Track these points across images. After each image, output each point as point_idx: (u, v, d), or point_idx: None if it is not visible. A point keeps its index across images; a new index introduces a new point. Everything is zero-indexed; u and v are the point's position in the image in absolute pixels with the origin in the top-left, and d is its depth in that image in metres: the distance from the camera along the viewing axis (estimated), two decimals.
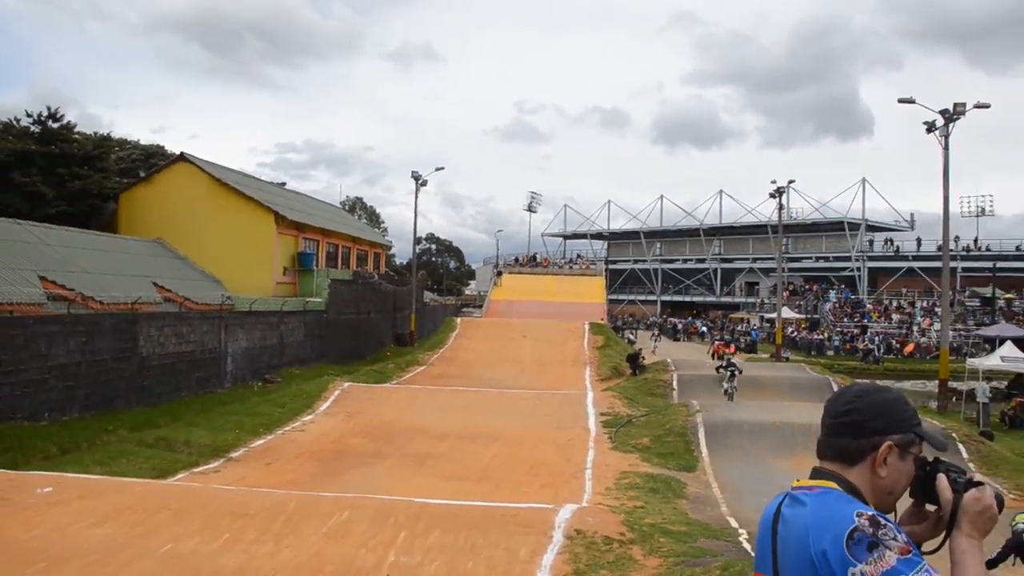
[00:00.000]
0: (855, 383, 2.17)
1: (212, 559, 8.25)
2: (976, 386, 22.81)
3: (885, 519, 1.74)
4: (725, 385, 23.25)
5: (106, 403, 17.89)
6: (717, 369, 25.38)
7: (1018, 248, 54.76)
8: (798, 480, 1.98)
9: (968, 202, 59.54)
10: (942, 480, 1.89)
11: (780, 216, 43.36)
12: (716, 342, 36.01)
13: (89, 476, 11.66)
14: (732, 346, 34.40)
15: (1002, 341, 28.60)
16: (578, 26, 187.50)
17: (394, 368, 28.98)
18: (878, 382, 2.22)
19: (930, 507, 1.94)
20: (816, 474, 1.96)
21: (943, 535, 1.88)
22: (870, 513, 1.74)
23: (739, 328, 50.14)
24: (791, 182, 42.73)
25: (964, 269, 51.41)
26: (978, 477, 1.92)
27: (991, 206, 59.77)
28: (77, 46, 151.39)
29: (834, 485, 1.88)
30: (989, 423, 21.04)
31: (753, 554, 2.08)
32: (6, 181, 28.30)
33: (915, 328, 44.69)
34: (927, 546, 1.88)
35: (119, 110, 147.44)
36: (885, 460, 1.89)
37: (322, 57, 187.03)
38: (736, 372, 23.49)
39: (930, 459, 1.94)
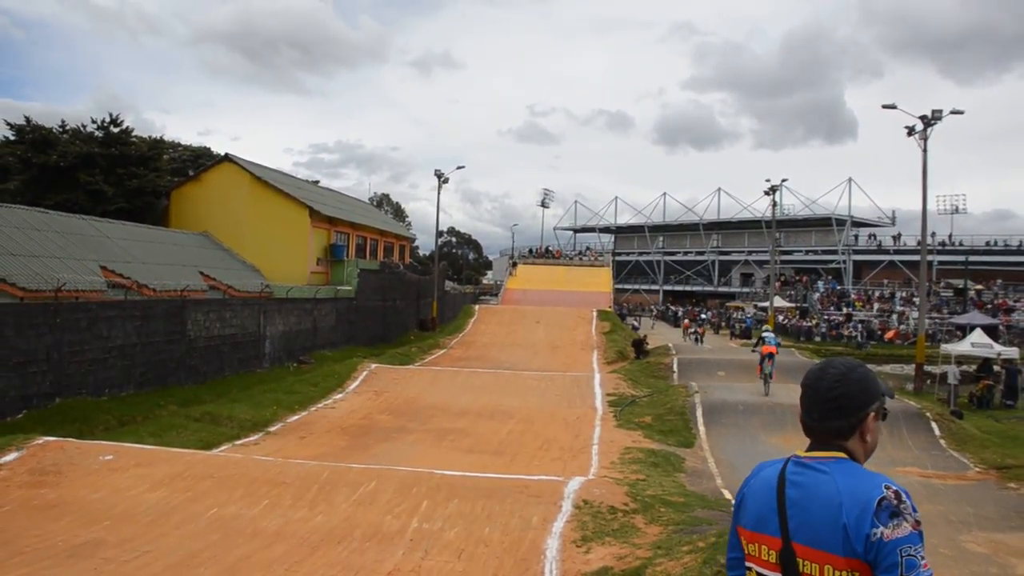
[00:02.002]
0: (828, 362, 2.08)
1: (253, 522, 8.35)
2: (948, 369, 22.57)
3: (907, 495, 1.83)
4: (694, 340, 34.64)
5: (159, 380, 18.06)
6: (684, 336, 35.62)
7: (988, 244, 54.57)
8: (801, 451, 2.03)
9: (943, 201, 59.29)
10: None
11: (773, 212, 42.99)
12: (685, 320, 42.07)
13: (144, 446, 11.76)
14: (702, 327, 38.83)
15: (972, 328, 28.16)
16: (585, 35, 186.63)
17: (417, 351, 29.04)
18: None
19: None
20: (819, 446, 2.00)
21: None
22: (895, 488, 1.84)
23: (735, 316, 49.86)
24: (784, 181, 42.39)
25: (940, 262, 51.16)
26: None
27: (964, 204, 59.68)
28: (133, 58, 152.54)
29: (844, 455, 1.96)
30: (958, 403, 20.85)
31: None
32: (73, 181, 28.81)
33: (895, 316, 44.21)
34: None
35: (170, 115, 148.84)
36: (870, 427, 1.99)
37: (351, 65, 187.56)
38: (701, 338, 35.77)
39: None
